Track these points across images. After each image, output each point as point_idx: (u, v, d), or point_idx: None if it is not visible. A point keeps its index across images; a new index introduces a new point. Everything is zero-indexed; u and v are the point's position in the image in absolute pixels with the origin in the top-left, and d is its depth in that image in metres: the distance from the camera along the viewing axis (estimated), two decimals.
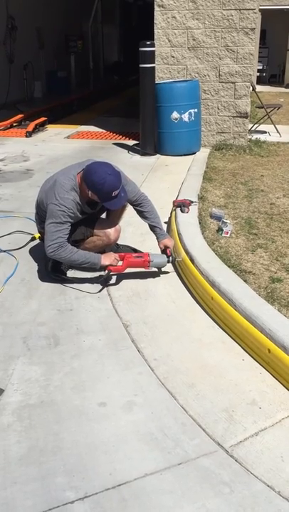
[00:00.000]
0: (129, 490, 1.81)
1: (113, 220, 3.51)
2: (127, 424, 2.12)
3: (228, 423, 2.12)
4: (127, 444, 2.01)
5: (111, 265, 3.18)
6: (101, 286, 3.22)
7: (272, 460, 1.94)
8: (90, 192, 3.04)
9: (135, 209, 3.42)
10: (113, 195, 3.03)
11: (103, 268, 3.22)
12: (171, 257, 3.34)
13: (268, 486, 1.83)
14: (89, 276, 3.34)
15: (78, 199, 3.10)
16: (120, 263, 3.24)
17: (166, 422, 2.13)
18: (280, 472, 1.88)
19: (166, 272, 3.43)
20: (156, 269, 3.40)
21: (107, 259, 3.18)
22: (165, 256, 3.34)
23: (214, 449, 1.99)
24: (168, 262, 3.34)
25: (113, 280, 3.30)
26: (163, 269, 3.43)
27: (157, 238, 3.45)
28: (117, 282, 3.29)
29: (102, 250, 3.37)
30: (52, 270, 3.32)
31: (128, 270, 3.28)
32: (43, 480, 1.85)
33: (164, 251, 3.40)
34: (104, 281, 3.23)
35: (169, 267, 3.44)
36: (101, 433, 2.07)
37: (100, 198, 3.05)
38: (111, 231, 3.37)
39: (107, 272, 3.20)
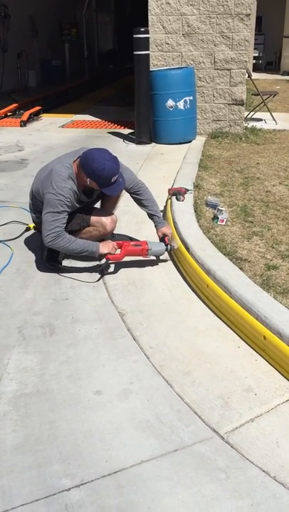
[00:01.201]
0: (125, 477, 1.82)
1: (108, 209, 3.50)
2: (123, 411, 2.12)
3: (223, 410, 2.12)
4: (123, 431, 2.02)
5: (109, 253, 3.16)
6: (98, 275, 3.22)
7: (268, 445, 1.94)
8: (88, 179, 3.01)
9: (133, 197, 3.39)
10: (112, 181, 3.01)
11: (101, 257, 3.21)
12: (169, 245, 3.33)
13: (264, 471, 1.84)
14: (85, 266, 3.33)
15: (75, 188, 3.08)
16: (118, 251, 3.22)
17: (162, 409, 2.13)
18: (275, 457, 1.89)
19: (162, 261, 3.43)
20: (154, 258, 3.39)
21: (106, 247, 3.16)
22: (163, 244, 3.33)
23: (210, 436, 2.00)
24: (166, 250, 3.33)
25: (111, 269, 3.29)
26: (159, 258, 3.42)
27: (155, 226, 3.43)
28: (113, 271, 3.28)
29: (99, 240, 3.36)
30: (47, 259, 3.31)
31: (125, 259, 3.27)
32: (39, 468, 1.86)
33: (162, 239, 3.39)
34: (103, 270, 3.22)
35: (164, 256, 3.43)
36: (97, 421, 2.07)
37: (99, 184, 3.02)
38: (107, 221, 3.35)
39: (105, 260, 3.19)
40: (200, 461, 1.88)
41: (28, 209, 3.51)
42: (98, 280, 3.17)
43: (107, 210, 3.48)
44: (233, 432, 2.01)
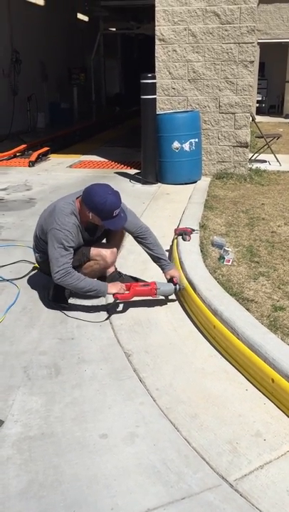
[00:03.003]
0: None
1: (112, 246, 3.51)
2: (129, 456, 2.07)
3: (232, 455, 2.07)
4: (129, 477, 1.97)
5: (118, 293, 3.16)
6: (103, 315, 3.21)
7: (278, 494, 1.89)
8: (90, 213, 3.04)
9: (137, 241, 3.38)
10: (114, 215, 3.04)
11: (108, 295, 3.21)
12: (178, 285, 3.32)
13: None
14: (90, 305, 3.32)
15: (78, 223, 3.11)
16: (127, 292, 3.22)
17: (168, 454, 2.08)
18: (285, 507, 1.83)
19: (168, 301, 3.42)
20: (162, 297, 3.38)
21: (114, 287, 3.15)
22: (172, 284, 3.32)
23: (218, 483, 1.94)
24: (175, 290, 3.32)
25: (119, 308, 3.27)
26: (165, 298, 3.42)
27: (163, 269, 3.42)
28: (119, 311, 3.27)
29: (102, 273, 3.35)
30: (53, 300, 3.30)
31: (133, 298, 3.26)
32: None
33: (170, 281, 3.38)
34: (110, 310, 3.20)
35: (170, 295, 3.42)
36: (102, 466, 2.02)
37: (101, 217, 3.05)
38: (107, 253, 3.34)
39: (114, 299, 3.18)
40: (208, 510, 1.82)
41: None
42: (105, 320, 3.16)
43: (111, 247, 3.48)
44: (242, 480, 1.95)
